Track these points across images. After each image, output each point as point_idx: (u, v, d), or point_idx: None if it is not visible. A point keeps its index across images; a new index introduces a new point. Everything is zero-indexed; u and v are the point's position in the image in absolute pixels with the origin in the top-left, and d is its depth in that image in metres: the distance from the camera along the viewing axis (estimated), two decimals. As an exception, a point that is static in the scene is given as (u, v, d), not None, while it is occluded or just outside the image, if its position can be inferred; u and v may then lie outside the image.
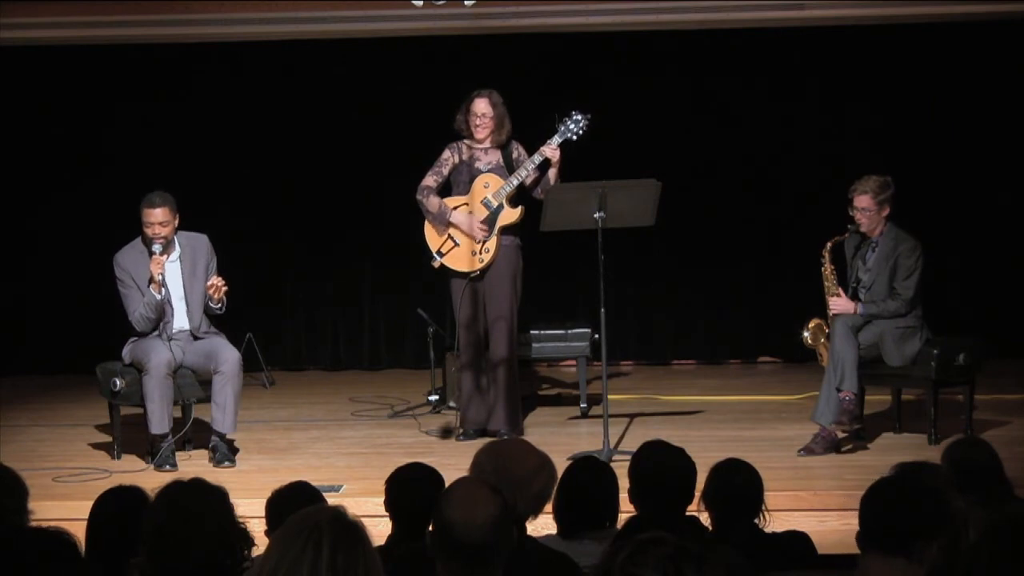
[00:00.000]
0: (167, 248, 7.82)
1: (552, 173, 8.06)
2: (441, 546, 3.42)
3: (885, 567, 3.23)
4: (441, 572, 3.45)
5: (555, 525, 4.52)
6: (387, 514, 4.65)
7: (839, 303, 7.84)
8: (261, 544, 3.56)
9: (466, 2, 9.33)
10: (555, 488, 4.34)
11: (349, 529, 2.89)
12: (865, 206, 7.78)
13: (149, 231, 7.78)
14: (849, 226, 7.86)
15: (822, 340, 7.98)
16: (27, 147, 10.82)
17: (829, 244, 7.92)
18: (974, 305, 10.08)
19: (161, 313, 7.80)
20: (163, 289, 7.75)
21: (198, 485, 3.44)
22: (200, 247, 8.01)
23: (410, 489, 4.61)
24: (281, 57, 10.51)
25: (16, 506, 3.93)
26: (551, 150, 7.97)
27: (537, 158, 8.03)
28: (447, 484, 3.95)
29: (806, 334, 8.03)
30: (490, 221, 8.13)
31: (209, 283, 7.80)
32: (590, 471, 4.63)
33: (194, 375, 7.90)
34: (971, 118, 10.47)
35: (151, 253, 7.79)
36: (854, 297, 7.89)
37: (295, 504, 4.29)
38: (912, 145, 10.24)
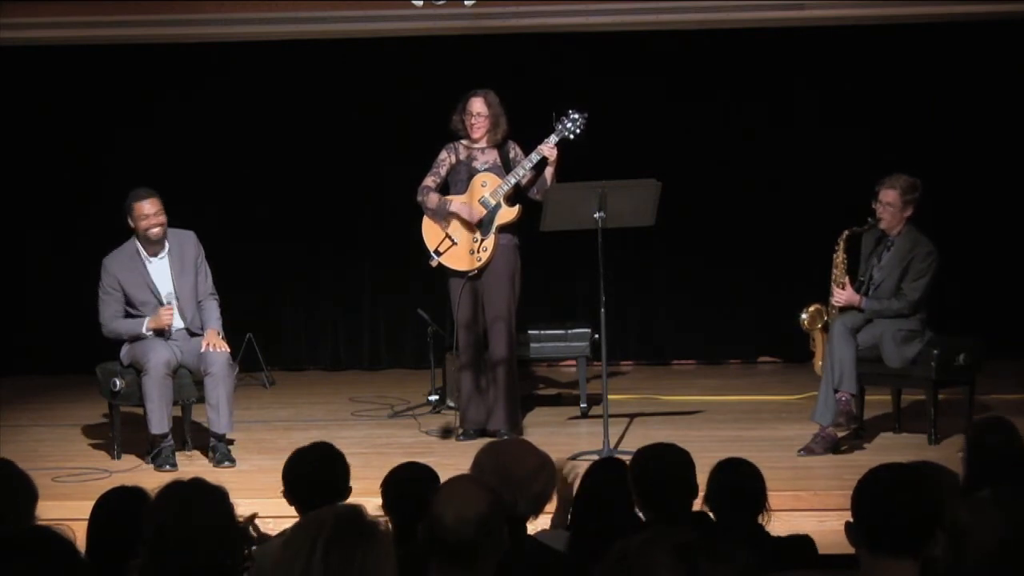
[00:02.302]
0: (158, 244, 7.83)
1: (549, 172, 8.06)
2: (430, 541, 3.41)
3: (895, 570, 3.21)
4: (433, 572, 3.44)
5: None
6: (386, 516, 4.66)
7: (843, 295, 7.81)
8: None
9: (466, 2, 9.34)
10: (562, 486, 4.33)
11: (352, 528, 2.87)
12: (890, 201, 7.74)
13: (144, 223, 7.77)
14: (869, 219, 7.81)
15: (819, 326, 7.94)
16: (27, 147, 10.82)
17: (846, 232, 7.86)
18: (974, 305, 10.08)
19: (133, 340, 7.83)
20: (161, 337, 7.77)
21: (198, 485, 3.43)
22: (187, 243, 8.00)
23: (407, 489, 4.62)
24: (281, 57, 10.51)
25: (25, 510, 3.94)
26: (548, 149, 7.97)
27: (535, 156, 8.02)
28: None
29: (804, 316, 7.98)
30: (488, 220, 8.13)
31: (208, 342, 7.79)
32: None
33: (191, 375, 7.90)
34: (971, 118, 10.47)
35: (152, 270, 7.82)
36: (866, 292, 7.86)
37: (311, 465, 4.61)
38: (912, 145, 10.23)
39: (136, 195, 7.82)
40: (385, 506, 4.64)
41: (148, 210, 7.76)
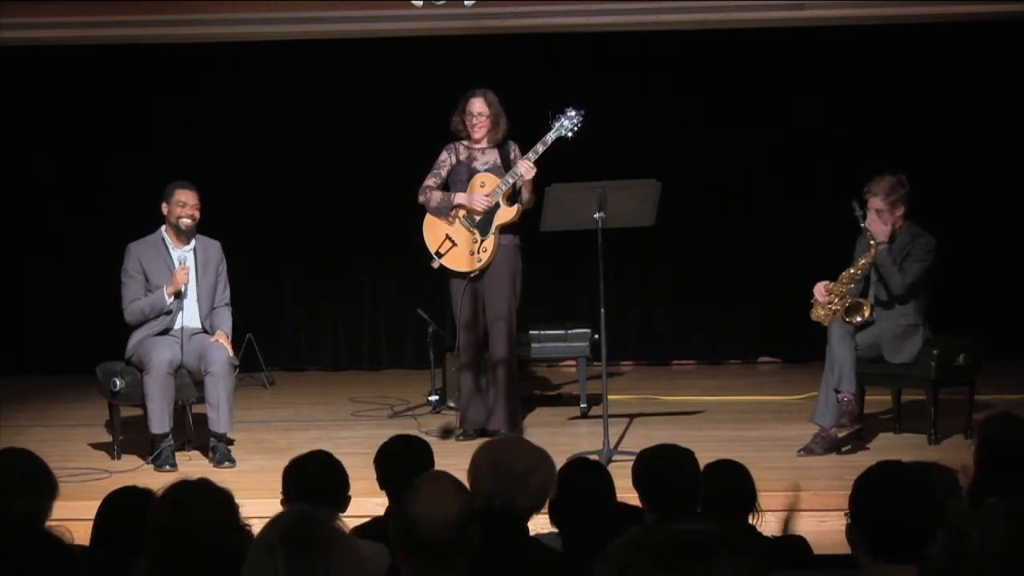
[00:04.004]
0: (185, 237, 7.92)
1: (525, 194, 8.05)
2: (403, 540, 3.42)
3: (896, 573, 3.20)
4: (402, 566, 3.45)
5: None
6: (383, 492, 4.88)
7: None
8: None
9: (466, 2, 9.34)
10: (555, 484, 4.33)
11: (308, 535, 2.87)
12: (877, 207, 7.73)
13: (180, 210, 7.86)
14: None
15: (859, 315, 7.69)
16: (27, 147, 10.82)
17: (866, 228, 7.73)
18: (974, 305, 10.09)
19: (157, 315, 7.83)
20: (179, 300, 7.79)
21: (204, 485, 3.43)
22: (212, 248, 8.09)
23: (397, 461, 4.85)
24: (281, 57, 10.52)
25: (43, 506, 3.95)
26: (526, 167, 7.95)
27: (518, 170, 8.00)
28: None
29: (830, 308, 7.81)
30: (486, 220, 8.13)
31: (217, 339, 7.83)
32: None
33: (191, 376, 7.90)
34: (971, 118, 10.48)
35: (176, 256, 7.86)
36: (862, 294, 7.84)
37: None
38: (912, 145, 10.24)
39: (179, 183, 7.96)
40: (380, 482, 4.74)
41: (187, 199, 7.88)
